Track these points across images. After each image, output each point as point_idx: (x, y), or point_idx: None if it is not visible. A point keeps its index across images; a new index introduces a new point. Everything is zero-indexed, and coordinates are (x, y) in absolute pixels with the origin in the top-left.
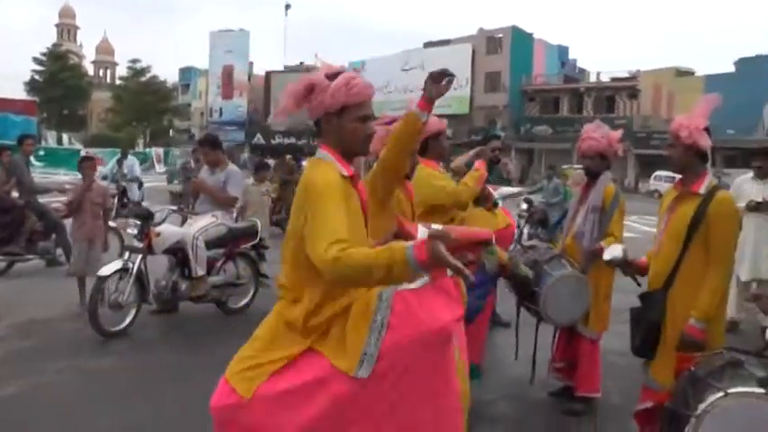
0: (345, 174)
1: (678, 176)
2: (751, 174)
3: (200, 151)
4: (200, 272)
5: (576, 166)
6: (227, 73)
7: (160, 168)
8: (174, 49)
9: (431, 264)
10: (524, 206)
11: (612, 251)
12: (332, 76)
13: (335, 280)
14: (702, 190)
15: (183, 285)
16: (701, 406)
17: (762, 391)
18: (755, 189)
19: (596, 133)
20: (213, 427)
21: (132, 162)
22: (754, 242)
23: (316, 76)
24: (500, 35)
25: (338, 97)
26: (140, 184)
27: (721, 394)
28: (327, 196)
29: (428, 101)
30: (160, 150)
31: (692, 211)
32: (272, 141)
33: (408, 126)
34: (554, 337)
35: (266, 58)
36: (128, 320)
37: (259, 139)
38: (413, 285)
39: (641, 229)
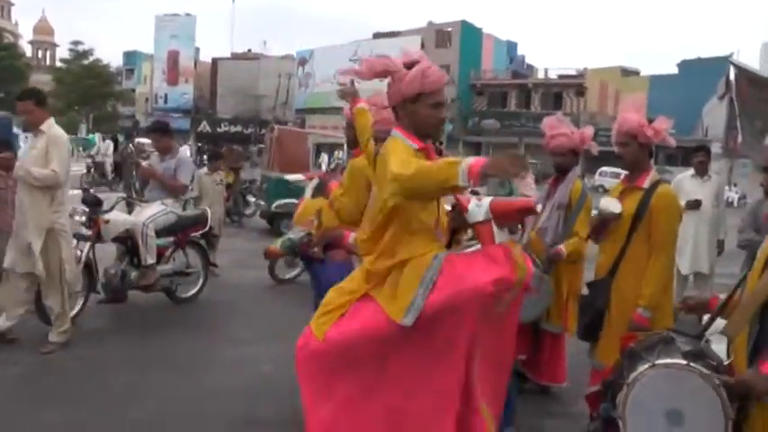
0: (416, 147)
1: (623, 173)
2: (691, 171)
3: (151, 138)
4: (150, 260)
5: None
6: (173, 58)
7: None
8: (117, 32)
9: (478, 173)
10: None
11: (610, 205)
12: (410, 65)
13: (405, 189)
14: (646, 184)
15: (133, 274)
16: (632, 375)
17: (684, 362)
18: (694, 186)
19: (562, 128)
20: (296, 367)
21: None
22: (694, 238)
23: (395, 63)
24: (449, 29)
25: (414, 85)
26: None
27: (649, 365)
28: (397, 149)
29: (480, 172)
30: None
31: (636, 203)
32: (219, 129)
33: (441, 175)
34: None
35: (213, 44)
36: (76, 310)
37: (205, 127)
38: (464, 251)
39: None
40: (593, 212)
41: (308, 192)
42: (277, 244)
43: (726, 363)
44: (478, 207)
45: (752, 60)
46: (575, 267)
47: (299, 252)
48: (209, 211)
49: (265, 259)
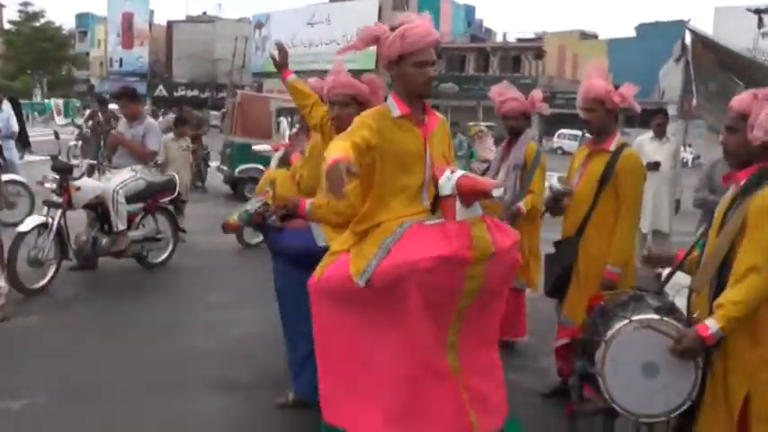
0: (397, 113)
1: (579, 133)
2: (650, 134)
3: (119, 104)
4: (121, 226)
5: (481, 123)
6: (127, 21)
7: (60, 121)
8: None
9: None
10: None
11: (559, 183)
12: (395, 27)
13: None
14: (612, 147)
15: (104, 240)
16: (610, 332)
17: (658, 317)
18: (654, 148)
19: (510, 93)
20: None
21: (7, 114)
22: (653, 198)
23: (381, 28)
24: None
25: (394, 47)
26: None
27: (626, 321)
28: (353, 126)
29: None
30: (60, 102)
31: (603, 165)
32: (175, 94)
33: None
34: None
35: (168, 6)
36: (48, 277)
37: (161, 91)
38: (430, 222)
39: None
40: (546, 192)
41: (274, 162)
42: (234, 217)
43: (694, 316)
44: (448, 180)
45: (705, 25)
46: (533, 225)
47: (255, 222)
48: (177, 177)
49: (224, 233)
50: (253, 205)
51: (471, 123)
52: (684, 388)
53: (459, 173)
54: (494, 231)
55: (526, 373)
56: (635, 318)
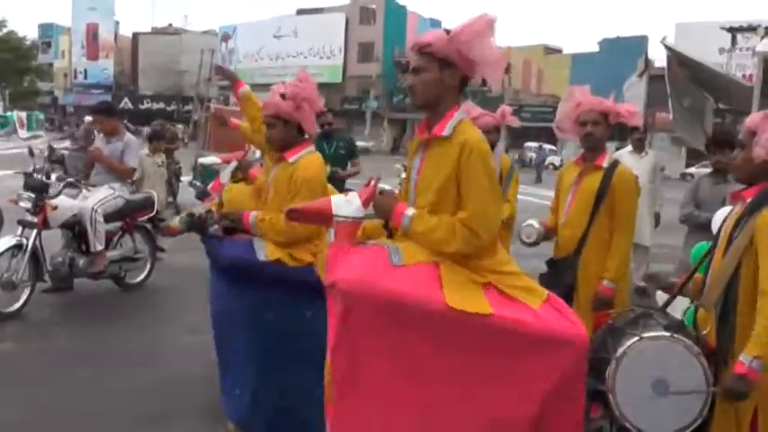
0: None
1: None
2: (629, 148)
3: (96, 120)
4: (99, 246)
5: None
6: (92, 32)
7: (23, 134)
8: (29, 2)
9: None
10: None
11: (530, 233)
12: None
13: None
14: (605, 164)
15: (81, 261)
16: (620, 349)
17: (668, 334)
18: (633, 162)
19: (477, 110)
20: None
21: None
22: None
23: None
24: (373, 6)
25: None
26: None
27: (637, 338)
28: None
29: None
30: (23, 114)
31: (597, 183)
32: (141, 106)
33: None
34: None
35: (134, 18)
36: (22, 301)
37: (127, 103)
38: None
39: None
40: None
41: (226, 176)
42: (175, 221)
43: (704, 333)
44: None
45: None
46: (505, 230)
47: (197, 228)
48: (155, 194)
49: (162, 236)
50: (197, 211)
51: None
52: (695, 405)
53: (338, 195)
54: (339, 262)
55: None
56: (645, 335)
